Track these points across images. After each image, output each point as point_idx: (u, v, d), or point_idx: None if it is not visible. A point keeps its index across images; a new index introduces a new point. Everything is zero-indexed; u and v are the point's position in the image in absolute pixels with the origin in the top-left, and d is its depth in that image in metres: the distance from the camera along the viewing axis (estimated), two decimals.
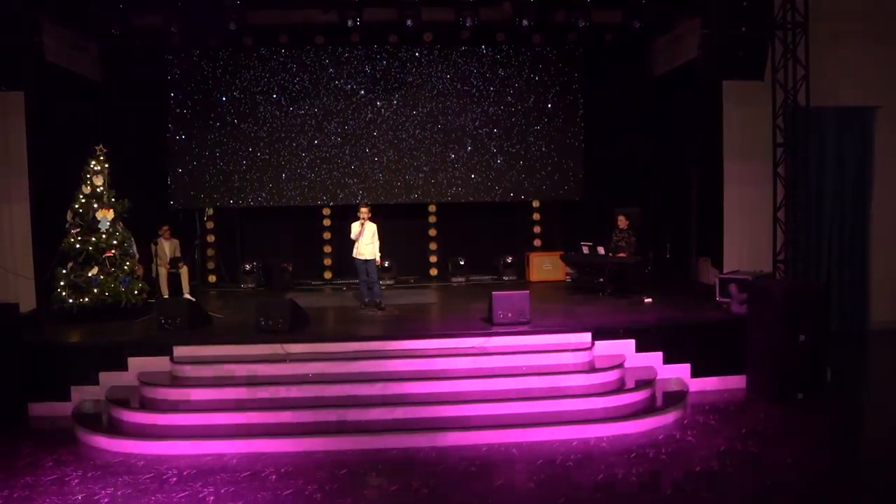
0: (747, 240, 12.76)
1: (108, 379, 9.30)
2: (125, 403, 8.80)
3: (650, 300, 11.86)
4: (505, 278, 15.25)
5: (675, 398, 9.24)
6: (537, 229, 15.72)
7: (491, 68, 15.29)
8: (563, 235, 15.64)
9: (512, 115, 15.38)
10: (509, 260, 15.37)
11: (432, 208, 15.57)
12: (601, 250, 12.45)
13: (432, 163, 15.30)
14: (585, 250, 12.63)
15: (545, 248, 15.64)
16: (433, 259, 15.64)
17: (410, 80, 15.18)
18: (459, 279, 15.15)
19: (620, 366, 9.51)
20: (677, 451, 7.93)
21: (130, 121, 14.36)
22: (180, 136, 14.97)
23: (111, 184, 11.36)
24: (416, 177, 15.30)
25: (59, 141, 12.33)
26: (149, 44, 13.92)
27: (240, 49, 14.80)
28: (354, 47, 14.97)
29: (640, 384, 9.29)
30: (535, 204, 15.67)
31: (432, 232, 15.64)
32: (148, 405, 8.76)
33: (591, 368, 9.41)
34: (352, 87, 15.12)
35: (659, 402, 9.17)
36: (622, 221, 12.84)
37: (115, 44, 13.72)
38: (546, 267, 15.03)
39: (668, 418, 8.83)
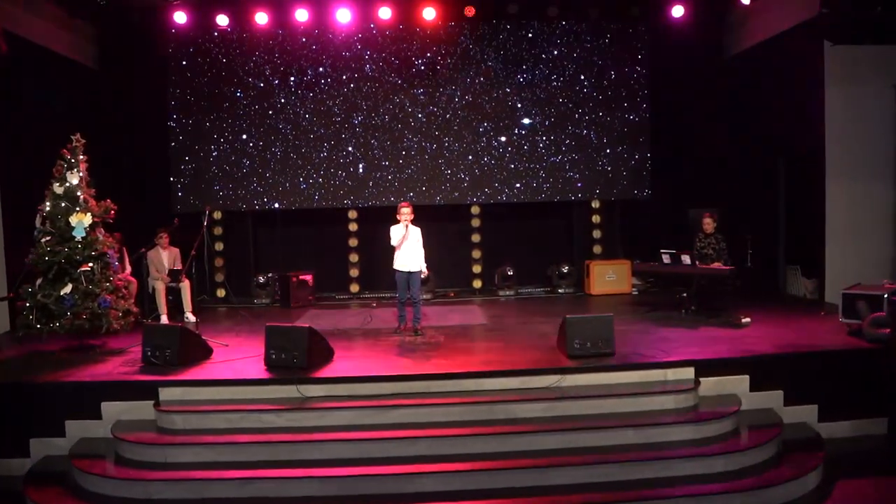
0: (855, 245, 10.92)
1: (77, 430, 7.31)
2: (96, 464, 6.75)
3: (748, 320, 9.69)
4: (560, 291, 13.29)
5: (808, 454, 7.06)
6: (597, 233, 13.64)
7: (542, 47, 13.31)
8: (627, 241, 13.66)
9: (566, 101, 13.40)
10: (565, 269, 13.28)
11: (475, 210, 13.60)
12: (686, 259, 10.26)
13: (475, 157, 13.38)
14: (667, 259, 10.45)
15: (606, 255, 13.52)
16: (476, 269, 13.63)
17: (450, 61, 13.21)
18: (507, 292, 13.17)
19: (736, 412, 7.32)
20: None
21: (127, 110, 12.81)
22: (183, 129, 13.15)
23: (98, 183, 9.43)
24: (457, 174, 13.40)
25: (43, 132, 10.60)
26: (147, 22, 12.35)
27: (251, 28, 12.91)
28: (385, 25, 13.00)
29: (764, 436, 7.09)
30: (595, 204, 13.55)
31: (475, 237, 13.63)
32: (124, 467, 6.69)
33: (700, 417, 7.21)
34: (382, 70, 13.13)
35: (790, 460, 6.95)
36: (708, 224, 10.71)
37: (109, 23, 12.28)
38: (609, 277, 12.93)
39: (807, 484, 6.64)
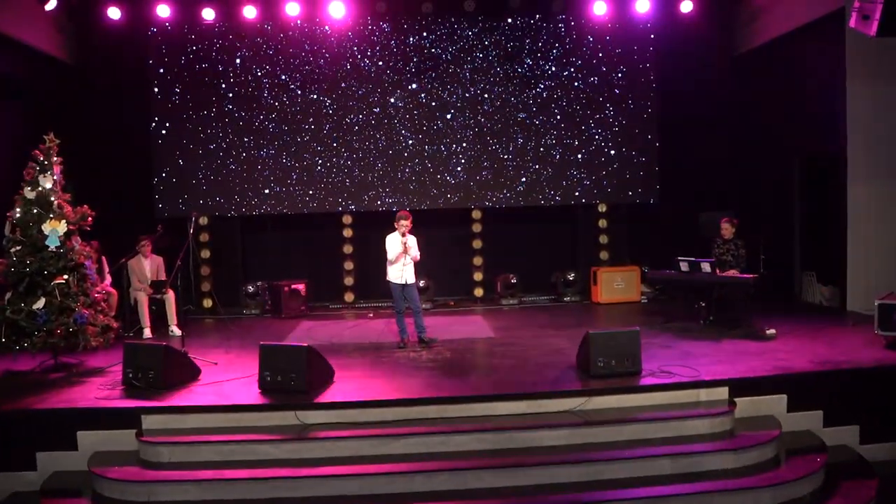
0: (878, 252, 10.42)
1: (49, 462, 6.56)
2: (70, 502, 6.04)
3: (773, 332, 9.11)
4: (566, 299, 12.75)
5: (859, 482, 6.50)
6: (604, 239, 13.05)
7: (546, 45, 12.70)
8: (635, 246, 13.11)
9: (571, 101, 12.81)
10: (571, 276, 12.67)
11: (476, 214, 12.99)
12: (706, 267, 9.65)
13: (475, 158, 12.80)
14: (684, 266, 9.83)
15: (613, 261, 12.93)
16: (478, 276, 12.99)
17: (448, 58, 12.56)
18: (511, 301, 12.54)
19: (777, 437, 6.69)
20: None
21: (107, 110, 12.13)
22: (167, 129, 12.40)
23: (75, 187, 8.68)
24: (456, 176, 12.79)
25: (15, 132, 9.90)
26: (130, 15, 11.81)
27: (239, 24, 12.22)
28: (381, 19, 12.35)
29: (811, 463, 6.48)
30: (601, 208, 12.95)
31: (476, 243, 13.02)
32: None
33: (739, 443, 6.57)
34: (377, 67, 12.45)
35: (841, 489, 6.34)
36: (727, 229, 10.13)
37: (89, 17, 11.79)
38: (618, 285, 12.32)
39: None
